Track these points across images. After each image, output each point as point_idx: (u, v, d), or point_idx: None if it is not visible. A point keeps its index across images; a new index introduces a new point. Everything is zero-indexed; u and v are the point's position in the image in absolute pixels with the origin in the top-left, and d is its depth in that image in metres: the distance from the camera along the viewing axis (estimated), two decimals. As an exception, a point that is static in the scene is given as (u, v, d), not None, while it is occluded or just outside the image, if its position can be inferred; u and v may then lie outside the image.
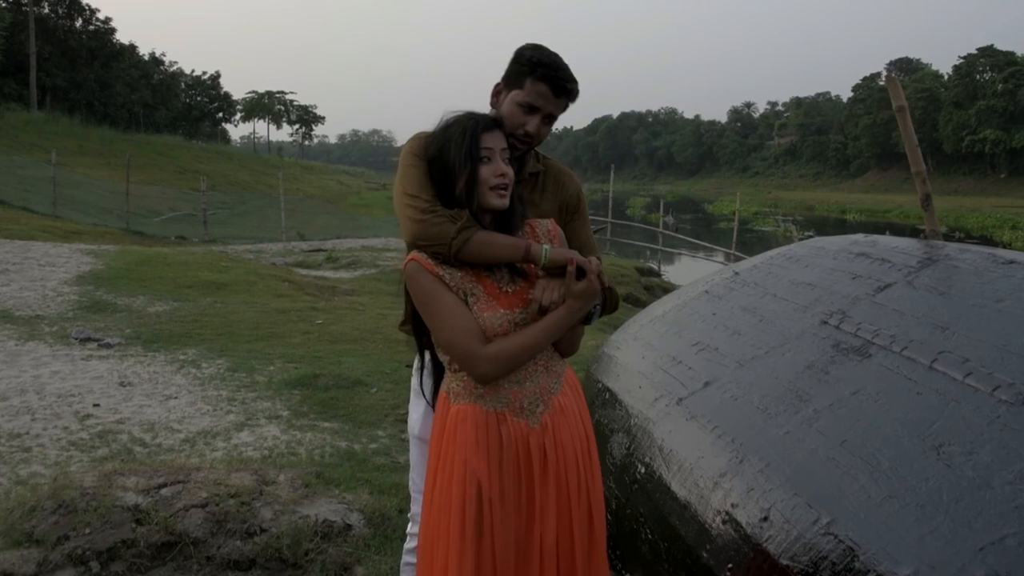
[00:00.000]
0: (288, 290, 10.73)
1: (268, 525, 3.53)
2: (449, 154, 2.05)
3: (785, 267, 3.70)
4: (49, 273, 10.54)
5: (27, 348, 6.89)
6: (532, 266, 2.12)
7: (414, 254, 2.07)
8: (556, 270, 2.07)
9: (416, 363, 2.48)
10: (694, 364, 3.22)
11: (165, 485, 3.75)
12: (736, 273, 3.87)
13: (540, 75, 2.19)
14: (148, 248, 14.24)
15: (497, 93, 2.34)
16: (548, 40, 2.43)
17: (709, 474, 2.59)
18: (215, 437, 4.90)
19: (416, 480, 2.64)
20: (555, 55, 2.23)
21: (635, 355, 3.63)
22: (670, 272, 20.12)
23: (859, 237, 3.78)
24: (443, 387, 2.22)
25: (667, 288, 14.93)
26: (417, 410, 2.52)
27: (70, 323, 7.95)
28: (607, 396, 3.56)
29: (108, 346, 7.02)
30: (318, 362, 6.67)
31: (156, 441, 4.80)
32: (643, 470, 2.94)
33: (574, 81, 2.22)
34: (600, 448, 3.27)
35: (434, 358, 2.25)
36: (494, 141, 2.06)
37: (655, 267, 20.37)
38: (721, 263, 22.74)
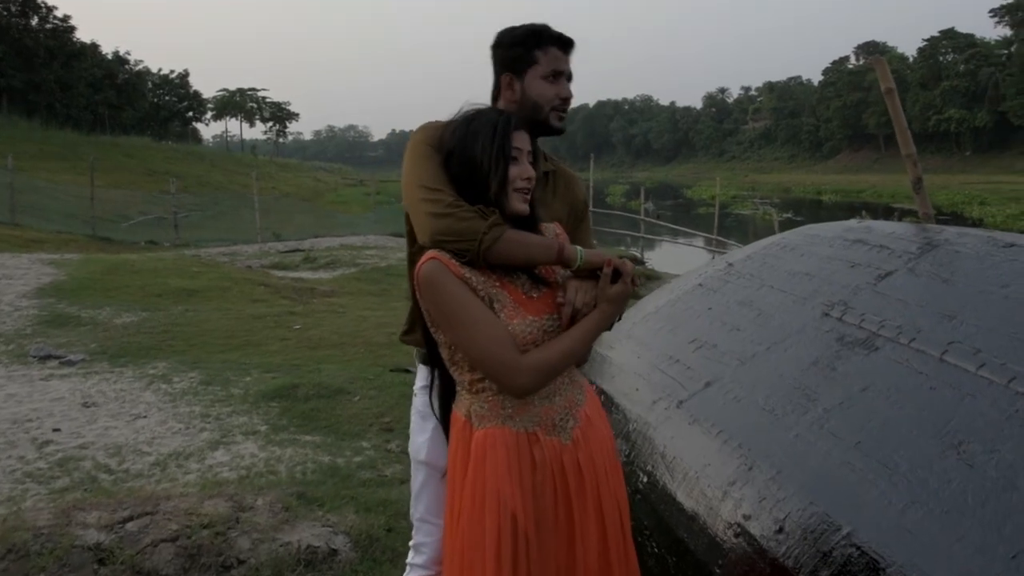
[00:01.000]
0: (264, 294, 10.47)
1: (246, 556, 3.31)
2: (475, 150, 1.90)
3: (780, 257, 3.55)
4: (5, 286, 10.09)
5: (-20, 370, 6.55)
6: (552, 270, 1.99)
7: (434, 252, 1.85)
8: (586, 273, 1.95)
9: (422, 380, 2.29)
10: (693, 363, 3.06)
11: (131, 518, 3.48)
12: (730, 264, 3.71)
13: (546, 41, 2.15)
14: (115, 255, 13.83)
15: (509, 85, 2.20)
16: None
17: (717, 483, 2.43)
18: (188, 458, 4.64)
19: (421, 510, 2.46)
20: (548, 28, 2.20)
21: (629, 354, 3.47)
22: (653, 259, 20.01)
23: (853, 223, 3.64)
24: (459, 409, 2.03)
25: (651, 276, 14.79)
26: (423, 433, 2.33)
27: (28, 340, 7.61)
28: (602, 399, 3.37)
29: (70, 363, 6.71)
30: (297, 371, 6.45)
31: (123, 466, 4.51)
32: (645, 479, 2.78)
33: (570, 39, 2.20)
34: (597, 455, 3.12)
35: (443, 375, 2.06)
36: (523, 141, 1.94)
37: (638, 255, 20.23)
38: (702, 248, 22.71)
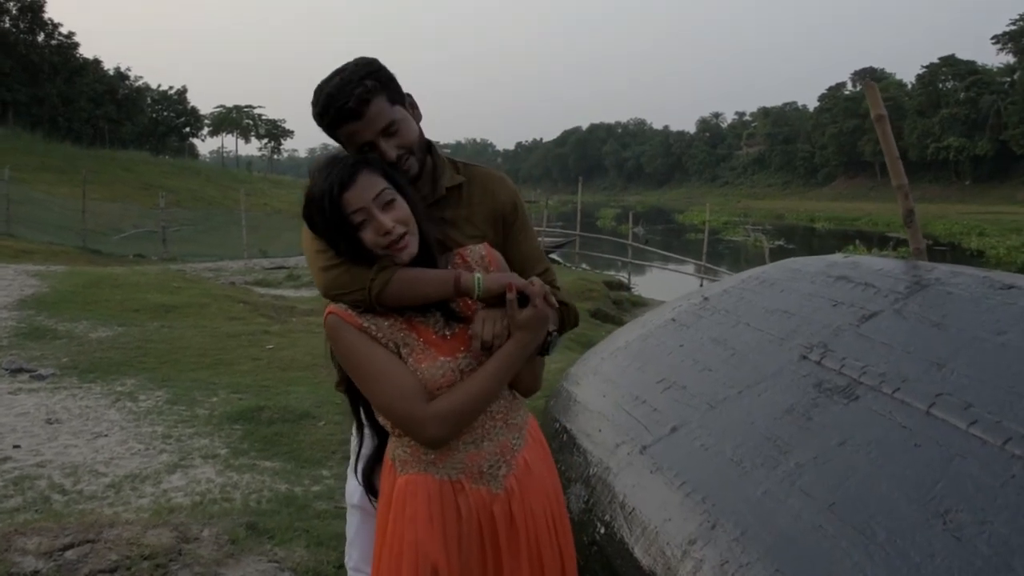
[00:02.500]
0: (242, 312, 10.27)
1: (186, 591, 3.14)
2: (319, 228, 1.76)
3: (758, 292, 3.37)
4: (-13, 297, 9.99)
5: (-50, 382, 6.39)
6: (469, 301, 1.81)
7: (332, 306, 1.78)
8: (496, 299, 1.76)
9: (354, 428, 2.14)
10: (660, 405, 2.88)
11: (71, 546, 3.35)
12: (705, 298, 3.53)
13: (330, 123, 1.86)
14: (99, 268, 13.66)
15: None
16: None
17: (677, 540, 2.24)
18: (144, 481, 4.47)
19: (356, 558, 2.31)
20: (328, 86, 1.86)
21: (595, 392, 3.28)
22: (640, 285, 19.83)
23: (838, 258, 3.47)
24: (388, 453, 1.89)
25: (636, 302, 14.64)
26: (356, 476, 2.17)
27: (4, 352, 7.45)
28: (564, 438, 3.20)
29: (40, 377, 6.55)
30: (265, 392, 6.25)
31: (78, 487, 4.36)
32: (603, 530, 2.59)
33: (351, 95, 1.81)
34: (557, 499, 2.92)
35: (373, 422, 1.93)
36: (360, 196, 1.72)
37: (625, 280, 20.04)
38: (691, 275, 22.56)
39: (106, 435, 5.22)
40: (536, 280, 1.73)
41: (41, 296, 10.24)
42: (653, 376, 3.08)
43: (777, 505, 2.13)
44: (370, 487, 1.99)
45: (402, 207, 1.75)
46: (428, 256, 1.81)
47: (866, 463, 2.12)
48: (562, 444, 3.18)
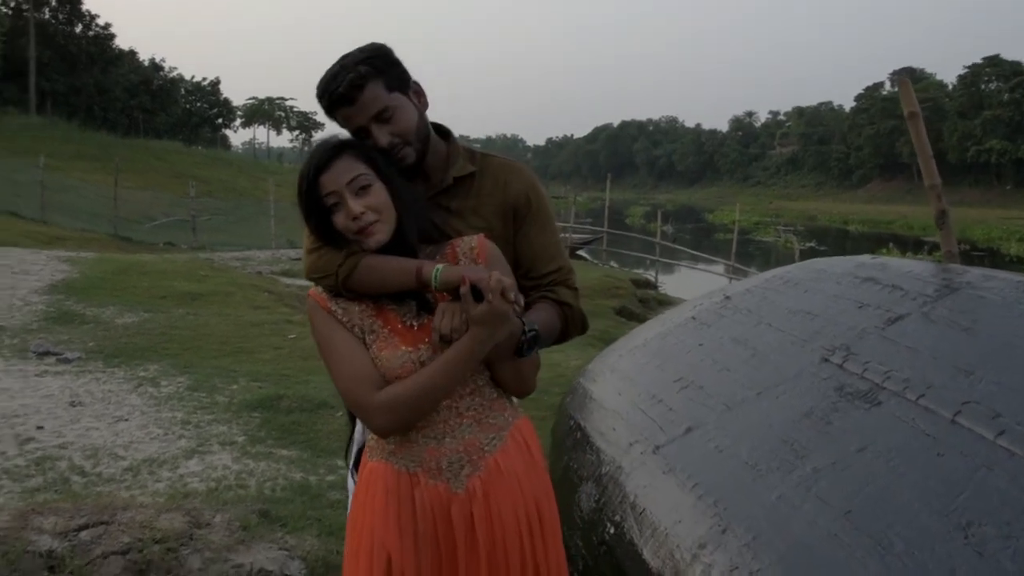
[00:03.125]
0: (266, 301, 10.33)
1: (195, 576, 3.14)
2: (301, 208, 1.79)
3: (782, 292, 3.29)
4: (21, 281, 10.11)
5: (-20, 363, 6.48)
6: (446, 293, 1.77)
7: (312, 289, 1.87)
8: (457, 292, 1.72)
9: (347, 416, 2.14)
10: (676, 404, 2.81)
11: (86, 527, 3.38)
12: (727, 297, 3.45)
13: (327, 107, 1.88)
14: (128, 256, 13.81)
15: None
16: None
17: (687, 543, 2.18)
18: (161, 466, 4.51)
19: None
20: (330, 70, 1.86)
21: (611, 390, 3.22)
22: (667, 284, 19.65)
23: (866, 259, 3.37)
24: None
25: (663, 301, 14.49)
26: None
27: (33, 335, 7.55)
28: (578, 436, 3.15)
29: (66, 361, 6.62)
30: (284, 381, 6.27)
31: (96, 470, 4.42)
32: (612, 530, 2.53)
33: (343, 81, 1.81)
34: (568, 498, 2.86)
35: None
36: (335, 179, 1.74)
37: (652, 278, 19.88)
38: (720, 275, 22.35)
39: (127, 419, 5.28)
40: (495, 275, 1.65)
41: (71, 281, 10.36)
42: (671, 375, 3.02)
43: (791, 511, 2.06)
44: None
45: (378, 194, 1.75)
46: (405, 245, 1.79)
47: (886, 471, 2.05)
48: (576, 442, 3.13)
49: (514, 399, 1.95)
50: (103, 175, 30.83)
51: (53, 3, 55.54)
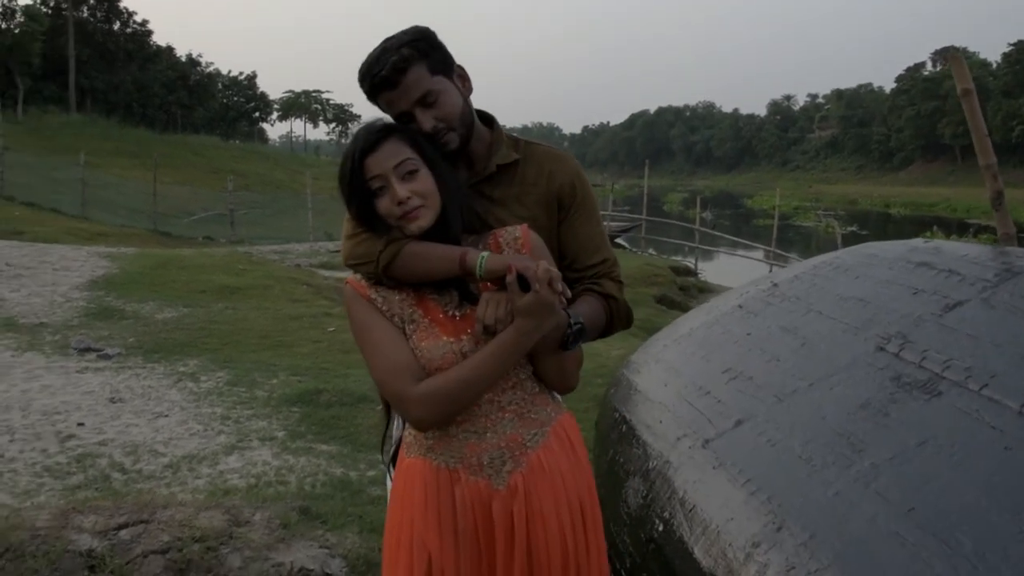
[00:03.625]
0: (305, 294, 10.34)
1: (235, 575, 3.11)
2: (343, 192, 1.74)
3: (831, 278, 3.17)
4: (62, 278, 10.26)
5: (23, 359, 6.57)
6: (490, 284, 1.71)
7: (350, 276, 1.82)
8: (502, 281, 1.66)
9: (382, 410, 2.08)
10: (724, 396, 2.72)
11: (126, 526, 3.36)
12: (774, 284, 3.34)
13: (369, 91, 1.82)
14: (167, 250, 13.95)
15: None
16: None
17: (739, 542, 2.09)
18: (201, 462, 4.52)
19: None
20: (372, 53, 1.81)
21: (657, 381, 3.13)
22: (707, 271, 19.42)
23: (918, 243, 3.24)
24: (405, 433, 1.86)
25: (703, 288, 14.32)
26: None
27: (74, 331, 7.64)
28: (624, 429, 3.06)
29: (107, 357, 6.68)
30: (324, 375, 6.26)
31: (137, 467, 4.44)
32: (661, 527, 2.45)
33: (386, 64, 1.75)
34: (614, 493, 2.79)
35: None
36: (381, 162, 1.69)
37: (692, 265, 19.66)
38: (760, 260, 22.04)
39: (167, 415, 5.30)
40: (542, 264, 1.60)
41: (111, 277, 10.48)
42: (718, 365, 2.93)
43: (849, 508, 1.97)
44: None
45: (425, 179, 1.70)
46: (448, 233, 1.74)
47: (950, 466, 1.94)
48: (621, 435, 3.05)
49: (556, 394, 1.88)
50: (142, 171, 31.22)
51: (92, 1, 56.41)
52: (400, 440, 1.89)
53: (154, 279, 10.40)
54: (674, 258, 22.31)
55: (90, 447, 4.68)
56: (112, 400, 5.57)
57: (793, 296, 3.13)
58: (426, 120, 1.77)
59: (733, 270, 20.31)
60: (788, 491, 2.12)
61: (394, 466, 1.92)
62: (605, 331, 1.96)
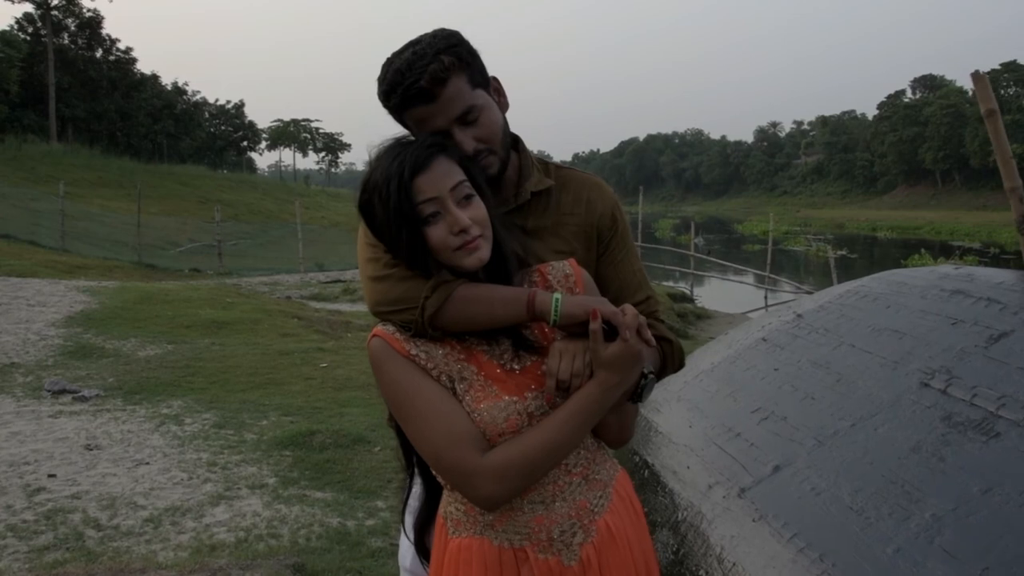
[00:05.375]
0: (296, 328, 10.04)
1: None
2: (376, 214, 1.45)
3: (860, 308, 2.99)
4: (37, 314, 9.88)
5: (-8, 404, 6.22)
6: (546, 328, 1.48)
7: (378, 328, 1.48)
8: (578, 328, 1.42)
9: (405, 476, 1.82)
10: (757, 439, 2.52)
11: (100, 594, 3.09)
12: (798, 316, 3.15)
13: (398, 105, 1.54)
14: (150, 284, 13.57)
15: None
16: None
17: (791, 608, 1.88)
18: (185, 515, 4.20)
19: None
20: (400, 59, 1.54)
21: (680, 421, 2.93)
22: (702, 296, 19.25)
23: (948, 269, 3.07)
24: (440, 509, 1.58)
25: (701, 315, 14.12)
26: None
27: (48, 371, 7.32)
28: (646, 474, 2.85)
29: (83, 399, 6.37)
30: (317, 415, 5.99)
31: (113, 522, 4.10)
32: (696, 587, 2.23)
33: (423, 71, 1.50)
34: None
35: (426, 469, 1.62)
36: (436, 183, 1.42)
37: (687, 291, 19.50)
38: (752, 285, 21.92)
39: (148, 463, 5.01)
40: (629, 308, 1.38)
41: (90, 313, 10.10)
42: (747, 404, 2.73)
43: (914, 568, 1.76)
44: (422, 548, 1.68)
45: (479, 207, 1.45)
46: (502, 270, 1.49)
47: (1022, 518, 1.74)
48: (643, 481, 2.84)
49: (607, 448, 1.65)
50: (126, 202, 30.81)
51: (72, 28, 55.33)
52: (420, 512, 1.65)
53: (136, 314, 10.04)
54: (666, 283, 22.15)
55: (61, 501, 4.34)
56: (88, 447, 5.24)
57: (821, 328, 2.94)
58: (467, 141, 1.53)
59: (728, 295, 20.17)
60: (842, 548, 1.92)
61: (416, 537, 1.69)
62: (660, 374, 1.75)
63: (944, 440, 2.12)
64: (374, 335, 1.48)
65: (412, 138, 1.51)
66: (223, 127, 74.60)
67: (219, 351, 8.28)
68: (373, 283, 1.53)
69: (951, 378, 2.33)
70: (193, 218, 31.91)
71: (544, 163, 1.77)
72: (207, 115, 71.46)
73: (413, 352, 1.45)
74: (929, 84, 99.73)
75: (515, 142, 1.74)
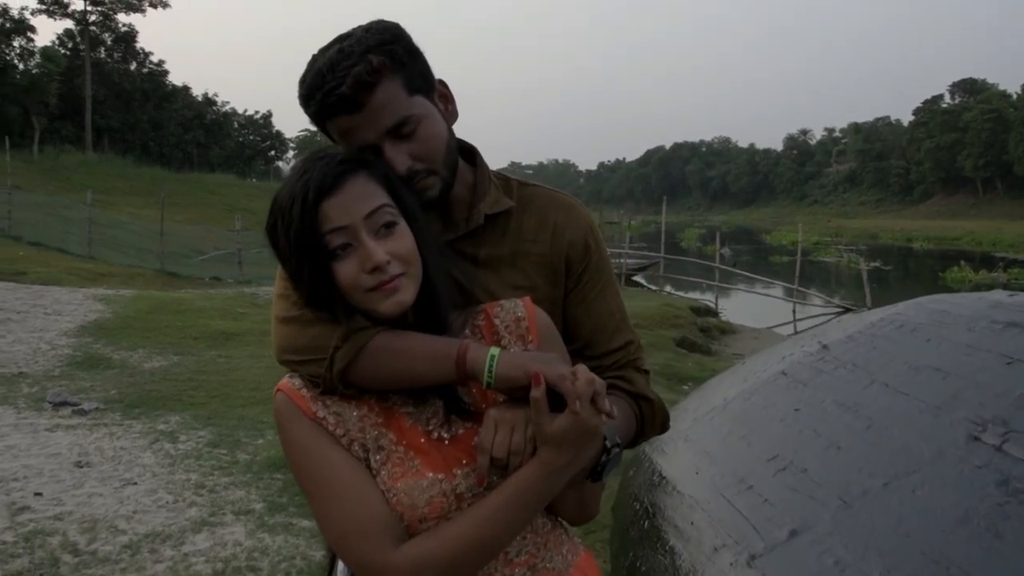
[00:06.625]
0: (306, 340, 9.85)
1: None
2: (279, 243, 1.17)
3: (896, 340, 2.62)
4: (52, 323, 9.85)
5: (-8, 415, 6.08)
6: (483, 389, 1.18)
7: (284, 381, 1.23)
8: (520, 391, 1.12)
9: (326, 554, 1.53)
10: (772, 494, 2.17)
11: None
12: (824, 346, 2.79)
13: (317, 113, 1.26)
14: (166, 292, 13.50)
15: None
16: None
17: None
18: (165, 541, 4.01)
19: None
20: (322, 59, 1.25)
21: (686, 466, 2.59)
22: (727, 309, 18.74)
23: (1001, 296, 2.69)
24: None
25: (725, 329, 13.70)
26: None
27: (55, 382, 7.20)
28: (646, 525, 2.51)
29: (82, 412, 6.20)
30: (314, 434, 5.72)
31: (91, 547, 3.92)
32: (697, 674, 1.89)
33: (347, 74, 1.21)
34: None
35: None
36: (348, 209, 1.15)
37: (711, 304, 19.03)
38: (780, 298, 21.42)
39: (135, 483, 4.81)
40: (582, 371, 1.08)
41: (103, 322, 10.06)
42: (762, 451, 2.38)
43: None
44: None
45: (404, 238, 1.17)
46: (432, 314, 1.21)
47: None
48: (644, 534, 2.50)
49: (569, 526, 1.35)
50: (155, 210, 31.03)
51: (108, 42, 57.51)
52: None
53: (147, 324, 9.93)
54: (691, 295, 21.74)
55: (43, 522, 4.18)
56: (78, 464, 5.08)
57: (849, 362, 2.58)
58: (399, 158, 1.25)
59: (754, 308, 19.67)
60: (872, 646, 1.57)
61: None
62: (634, 441, 1.43)
63: (1001, 511, 1.77)
64: (278, 389, 1.20)
65: (346, 152, 1.22)
66: (251, 137, 75.71)
67: (224, 364, 8.07)
68: (279, 325, 1.26)
69: (1008, 431, 1.97)
70: (219, 226, 32.09)
71: (506, 179, 1.46)
72: (236, 125, 72.82)
73: (320, 414, 1.18)
74: (969, 88, 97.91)
75: (470, 155, 1.44)
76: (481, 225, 1.38)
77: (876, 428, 2.21)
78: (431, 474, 1.14)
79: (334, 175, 1.14)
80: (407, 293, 1.16)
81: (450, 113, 1.37)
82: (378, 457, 1.17)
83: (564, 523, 1.32)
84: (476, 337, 1.24)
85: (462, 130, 1.41)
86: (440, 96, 1.35)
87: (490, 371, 1.12)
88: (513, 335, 1.24)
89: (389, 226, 1.16)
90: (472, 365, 1.13)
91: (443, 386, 1.19)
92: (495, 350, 1.14)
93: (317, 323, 1.19)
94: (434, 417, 1.19)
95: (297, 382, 1.20)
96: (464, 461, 1.16)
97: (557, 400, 1.09)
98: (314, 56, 1.27)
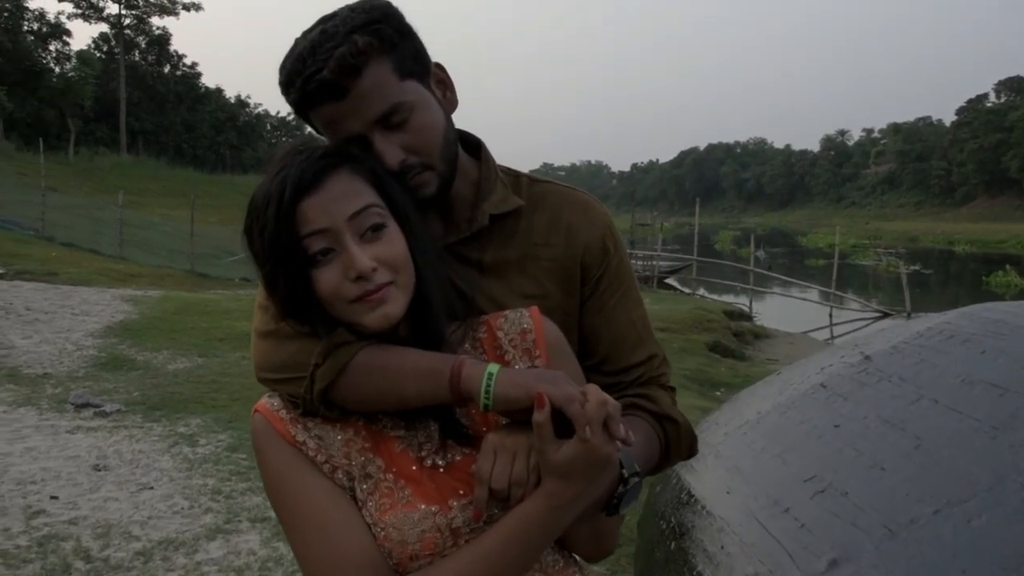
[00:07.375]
0: (331, 341, 9.84)
1: None
2: (256, 253, 1.06)
3: (946, 352, 2.42)
4: (79, 323, 9.89)
5: (15, 416, 6.11)
6: (487, 414, 1.06)
7: (262, 400, 1.13)
8: (523, 414, 0.99)
9: None
10: (810, 519, 1.99)
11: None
12: (866, 357, 2.59)
13: (298, 101, 1.13)
14: (193, 293, 13.60)
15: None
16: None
17: None
18: (178, 549, 3.95)
19: None
20: (305, 41, 1.11)
21: (716, 484, 2.41)
22: (762, 313, 18.40)
23: (1062, 303, 2.48)
24: None
25: (759, 334, 13.41)
26: None
27: (79, 383, 7.19)
28: (673, 547, 2.34)
29: (104, 414, 6.17)
30: (335, 439, 5.64)
31: (104, 553, 3.87)
32: None
33: (328, 58, 1.07)
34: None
35: None
36: (329, 209, 1.02)
37: (746, 308, 18.70)
38: (817, 302, 21.04)
39: (152, 487, 4.76)
40: (593, 391, 0.94)
41: (129, 323, 10.10)
42: (799, 470, 2.19)
43: None
44: None
45: (393, 242, 1.05)
46: (427, 328, 1.08)
47: None
48: (669, 555, 2.33)
49: (582, 561, 1.20)
50: (187, 211, 31.49)
51: (143, 45, 58.47)
52: None
53: (173, 325, 9.95)
54: (725, 297, 21.43)
55: (58, 527, 4.14)
56: (96, 467, 5.04)
57: (895, 376, 2.39)
58: (390, 151, 1.12)
59: (790, 312, 19.31)
60: None
61: None
62: (657, 467, 1.27)
63: (1068, 544, 1.58)
64: (255, 410, 1.11)
65: (328, 145, 1.10)
66: (284, 138, 76.25)
67: (247, 366, 7.90)
68: (257, 340, 1.14)
69: (1074, 454, 1.78)
70: (250, 228, 32.45)
71: (515, 175, 1.31)
72: (269, 127, 73.67)
73: (300, 438, 1.06)
74: (1016, 87, 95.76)
75: (474, 148, 1.29)
76: (486, 226, 1.24)
77: (925, 449, 2.02)
78: (423, 506, 1.03)
79: (314, 171, 1.02)
80: (395, 304, 1.03)
81: (448, 100, 1.23)
82: (364, 486, 1.04)
83: (579, 559, 1.17)
84: (477, 352, 1.11)
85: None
86: (437, 81, 1.21)
87: (487, 391, 0.98)
88: (518, 349, 1.11)
89: (376, 228, 1.04)
90: (467, 384, 1.00)
91: (438, 407, 1.05)
92: (494, 367, 1.00)
93: (297, 338, 1.08)
94: (428, 442, 1.07)
95: (276, 402, 1.09)
96: (461, 492, 1.03)
97: (565, 424, 0.94)
98: (296, 39, 1.14)
